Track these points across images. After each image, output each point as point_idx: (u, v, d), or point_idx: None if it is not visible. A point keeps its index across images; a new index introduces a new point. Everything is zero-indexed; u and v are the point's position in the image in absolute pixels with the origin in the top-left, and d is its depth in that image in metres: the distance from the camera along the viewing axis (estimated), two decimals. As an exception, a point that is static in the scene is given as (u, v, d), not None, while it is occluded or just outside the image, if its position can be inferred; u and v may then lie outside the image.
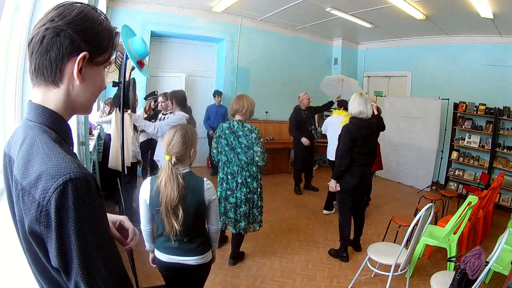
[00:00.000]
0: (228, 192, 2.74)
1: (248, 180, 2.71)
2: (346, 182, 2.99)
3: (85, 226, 0.58)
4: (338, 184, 3.00)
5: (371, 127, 3.00)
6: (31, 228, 0.59)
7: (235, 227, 2.77)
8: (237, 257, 2.96)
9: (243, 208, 2.72)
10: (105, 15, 0.72)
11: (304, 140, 4.92)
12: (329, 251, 3.24)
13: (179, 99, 3.15)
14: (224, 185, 2.75)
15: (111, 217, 0.93)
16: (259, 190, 2.80)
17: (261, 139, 2.69)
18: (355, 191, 3.03)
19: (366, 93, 6.96)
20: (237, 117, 2.72)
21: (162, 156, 3.06)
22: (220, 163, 2.80)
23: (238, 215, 2.74)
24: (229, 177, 2.73)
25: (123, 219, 0.96)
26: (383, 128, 4.14)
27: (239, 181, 2.70)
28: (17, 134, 0.69)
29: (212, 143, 2.82)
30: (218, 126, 2.80)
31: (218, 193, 2.78)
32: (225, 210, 2.76)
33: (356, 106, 2.91)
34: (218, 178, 2.82)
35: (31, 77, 0.68)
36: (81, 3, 0.67)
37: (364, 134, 2.92)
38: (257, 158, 2.67)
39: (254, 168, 2.72)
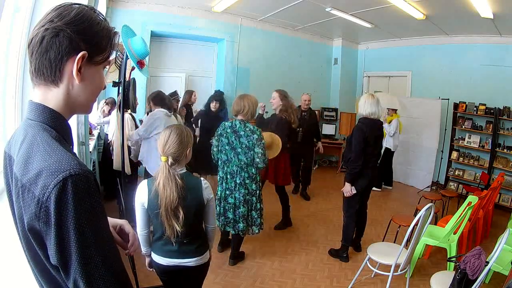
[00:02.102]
0: (227, 192, 2.72)
1: (247, 181, 2.68)
2: (359, 185, 2.92)
3: (85, 223, 0.58)
4: (353, 187, 2.90)
5: (381, 127, 3.00)
6: (31, 225, 0.59)
7: (234, 228, 2.75)
8: (237, 257, 2.96)
9: (241, 209, 2.70)
10: (103, 15, 0.72)
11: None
12: (329, 251, 3.24)
13: (154, 99, 3.21)
14: (224, 184, 2.73)
15: (111, 221, 0.93)
16: (258, 192, 2.76)
17: (263, 141, 2.65)
18: (362, 193, 3.01)
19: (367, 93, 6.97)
20: (239, 117, 2.70)
21: (145, 156, 3.09)
22: (220, 162, 2.77)
23: (236, 216, 2.72)
24: (228, 176, 2.71)
25: (123, 223, 0.96)
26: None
27: (238, 181, 2.68)
28: (18, 133, 0.69)
29: (214, 141, 2.79)
30: (220, 124, 2.78)
31: (218, 193, 2.77)
32: (224, 210, 2.74)
33: (369, 107, 2.88)
34: (218, 178, 2.80)
35: (32, 77, 0.68)
36: (80, 4, 0.68)
37: (376, 134, 2.91)
38: (257, 160, 2.63)
39: (253, 170, 2.69)
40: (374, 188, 5.43)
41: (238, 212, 2.70)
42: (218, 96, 4.51)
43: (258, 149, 2.61)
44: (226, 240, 3.14)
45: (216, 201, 2.76)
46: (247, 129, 2.63)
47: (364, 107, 2.90)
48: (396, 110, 5.59)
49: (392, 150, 5.53)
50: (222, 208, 2.75)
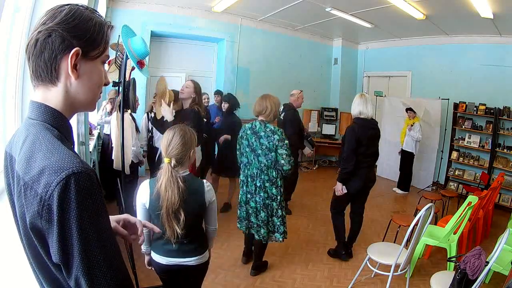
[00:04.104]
0: (248, 196, 2.64)
1: (267, 184, 2.56)
2: (352, 186, 2.89)
3: (87, 221, 0.59)
4: (344, 187, 2.89)
5: (376, 127, 2.95)
6: (33, 223, 0.59)
7: (258, 233, 2.65)
8: (259, 266, 2.85)
9: (262, 214, 2.59)
10: (97, 11, 0.73)
11: (308, 152, 4.19)
12: (328, 251, 3.23)
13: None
14: (244, 188, 2.66)
15: (113, 217, 0.93)
16: (279, 198, 2.60)
17: (286, 141, 2.51)
18: (356, 194, 2.97)
19: (367, 93, 6.96)
20: (260, 118, 2.60)
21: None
22: (242, 165, 2.71)
23: (259, 221, 2.61)
24: (249, 179, 2.63)
25: (126, 216, 0.97)
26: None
27: (258, 184, 2.58)
28: (19, 132, 0.70)
29: (237, 144, 2.73)
30: (242, 126, 2.72)
31: (240, 196, 2.71)
32: (247, 214, 2.66)
33: (356, 107, 2.88)
34: (240, 181, 2.74)
35: (31, 80, 0.70)
36: (71, 4, 0.69)
37: (369, 134, 2.85)
38: (282, 161, 2.49)
39: (274, 173, 2.56)
40: (399, 191, 5.51)
41: (260, 217, 2.60)
42: (227, 97, 4.52)
43: (282, 150, 2.48)
44: (250, 251, 2.98)
45: (238, 204, 2.73)
46: (268, 129, 2.52)
47: (353, 107, 2.92)
48: (415, 112, 5.51)
49: (413, 153, 5.46)
50: (244, 212, 2.67)
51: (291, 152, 2.54)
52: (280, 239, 2.65)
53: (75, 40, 0.67)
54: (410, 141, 5.41)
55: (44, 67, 0.66)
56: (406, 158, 5.51)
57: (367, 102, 2.87)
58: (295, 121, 3.96)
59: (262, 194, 2.57)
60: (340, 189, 2.91)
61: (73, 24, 0.67)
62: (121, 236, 0.91)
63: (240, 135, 2.68)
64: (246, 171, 2.65)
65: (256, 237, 2.69)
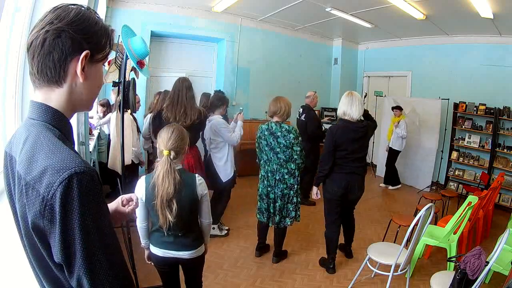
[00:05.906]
0: (269, 189, 2.89)
1: (286, 176, 2.84)
2: (328, 191, 2.75)
3: (89, 220, 0.59)
4: (318, 191, 2.85)
5: (360, 130, 2.67)
6: (35, 223, 0.59)
7: (272, 221, 2.92)
8: (281, 254, 3.08)
9: (278, 203, 2.86)
10: (98, 14, 0.74)
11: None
12: (319, 260, 3.09)
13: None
14: (265, 182, 2.91)
15: (111, 205, 0.98)
16: (295, 186, 2.88)
17: (299, 138, 2.79)
18: (342, 201, 2.78)
19: (366, 93, 6.95)
20: (275, 118, 2.85)
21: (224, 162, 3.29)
22: (262, 162, 2.95)
23: (276, 210, 2.89)
24: (269, 174, 2.89)
25: (119, 198, 1.02)
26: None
27: (277, 178, 2.85)
28: (19, 133, 0.70)
29: (255, 143, 3.00)
30: (258, 127, 2.95)
31: (260, 190, 2.95)
32: (268, 205, 2.92)
33: (341, 106, 2.68)
34: (260, 176, 2.97)
35: (33, 79, 0.69)
36: (76, 4, 0.69)
37: (351, 137, 2.62)
38: (295, 156, 2.79)
39: (292, 165, 2.83)
40: (390, 187, 5.65)
41: (276, 206, 2.88)
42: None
43: (297, 147, 2.77)
44: (263, 246, 3.18)
45: (258, 197, 2.99)
46: (283, 129, 2.77)
47: (338, 106, 2.74)
48: (402, 109, 5.60)
49: (399, 150, 5.55)
50: (265, 204, 2.93)
51: (303, 147, 2.84)
52: (289, 223, 2.91)
53: (84, 42, 0.67)
54: (397, 138, 5.45)
55: (53, 67, 0.66)
56: (393, 155, 5.61)
57: (353, 102, 2.63)
58: (316, 119, 4.48)
59: (281, 185, 2.85)
60: (315, 193, 2.88)
61: (82, 26, 0.67)
62: (123, 214, 0.97)
63: (258, 135, 2.93)
64: (266, 167, 2.91)
65: (270, 224, 2.95)
